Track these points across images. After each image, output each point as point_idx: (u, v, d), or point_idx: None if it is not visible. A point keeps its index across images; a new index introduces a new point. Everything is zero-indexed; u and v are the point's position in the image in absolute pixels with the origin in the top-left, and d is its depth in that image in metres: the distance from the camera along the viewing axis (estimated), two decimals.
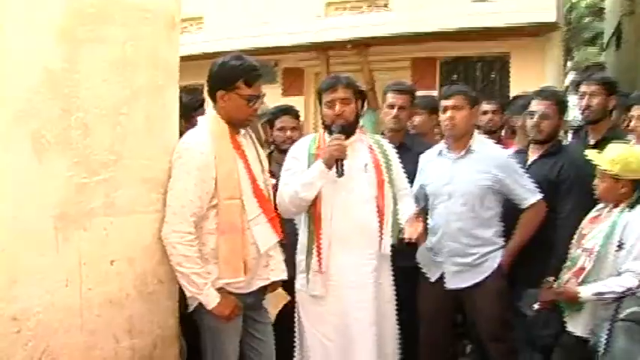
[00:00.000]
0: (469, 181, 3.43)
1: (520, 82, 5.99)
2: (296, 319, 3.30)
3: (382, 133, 4.08)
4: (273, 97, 4.12)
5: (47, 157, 2.30)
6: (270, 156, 3.98)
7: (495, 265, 3.42)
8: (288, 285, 3.23)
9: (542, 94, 3.58)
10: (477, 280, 3.43)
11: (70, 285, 2.38)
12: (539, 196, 3.40)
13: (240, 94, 2.82)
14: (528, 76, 6.37)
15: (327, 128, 3.22)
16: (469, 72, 7.10)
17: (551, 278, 3.06)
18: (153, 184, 2.73)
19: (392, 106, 3.99)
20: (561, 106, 3.56)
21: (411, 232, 3.07)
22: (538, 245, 3.36)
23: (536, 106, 3.55)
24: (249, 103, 2.84)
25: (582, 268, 2.98)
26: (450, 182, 3.48)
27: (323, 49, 7.12)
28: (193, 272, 2.70)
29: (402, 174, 3.39)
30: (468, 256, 3.43)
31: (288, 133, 3.96)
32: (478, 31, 6.55)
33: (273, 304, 3.15)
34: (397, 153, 3.82)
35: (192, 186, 2.70)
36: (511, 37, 6.62)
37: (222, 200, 2.75)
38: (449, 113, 3.47)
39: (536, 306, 3.15)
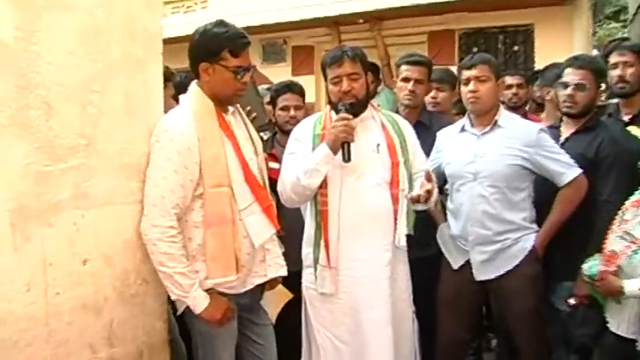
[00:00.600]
0: (497, 160, 3.05)
1: (546, 55, 5.58)
2: (303, 319, 2.96)
3: (397, 111, 3.71)
4: (282, 76, 3.78)
5: None
6: (273, 137, 3.64)
7: (528, 247, 3.04)
8: (291, 279, 2.90)
9: (577, 62, 3.15)
10: (509, 268, 3.05)
11: (32, 290, 2.06)
12: (579, 170, 3.01)
13: (225, 66, 2.48)
14: (555, 48, 5.96)
15: (334, 107, 2.86)
16: (490, 45, 6.68)
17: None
18: (133, 171, 2.41)
19: (406, 80, 3.61)
20: (598, 75, 3.14)
21: (418, 189, 2.71)
22: (574, 231, 2.98)
23: (569, 75, 3.13)
24: (236, 76, 2.50)
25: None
26: (475, 161, 3.09)
27: (334, 24, 6.75)
28: (177, 272, 2.38)
29: (420, 155, 3.04)
30: (496, 243, 3.06)
31: (292, 112, 3.57)
32: (499, 0, 6.16)
33: (274, 303, 2.83)
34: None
35: (172, 173, 2.37)
36: (535, 5, 6.22)
37: (208, 188, 2.42)
38: (472, 85, 3.10)
39: (572, 301, 2.82)
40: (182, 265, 2.38)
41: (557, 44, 6.14)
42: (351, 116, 2.72)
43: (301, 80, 3.44)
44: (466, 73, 3.13)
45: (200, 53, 2.52)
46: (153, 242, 2.37)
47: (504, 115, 3.15)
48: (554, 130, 3.25)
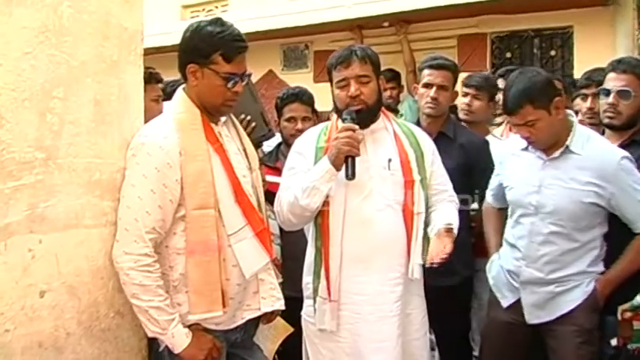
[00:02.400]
0: (564, 194, 2.56)
1: (586, 60, 5.18)
2: (304, 356, 2.63)
3: (418, 121, 3.37)
4: (303, 82, 3.49)
5: None
6: (277, 149, 3.31)
7: (589, 291, 2.58)
8: (295, 307, 2.59)
9: (621, 65, 2.73)
10: (564, 312, 2.60)
11: None
12: None
13: (216, 71, 2.18)
14: (596, 53, 5.55)
15: (340, 115, 2.52)
16: (525, 49, 6.25)
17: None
18: (105, 189, 2.12)
19: (428, 86, 3.27)
20: None
21: (434, 252, 2.34)
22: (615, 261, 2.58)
23: (612, 81, 2.73)
24: (227, 84, 2.19)
25: None
26: (539, 191, 2.61)
27: (357, 27, 6.43)
28: (153, 306, 2.07)
29: (441, 172, 2.66)
30: (550, 284, 2.62)
31: (299, 124, 3.18)
32: (535, 1, 5.78)
33: (271, 338, 2.49)
34: (434, 144, 3.13)
35: (148, 193, 2.07)
36: (574, 6, 5.80)
37: (191, 211, 2.11)
38: (524, 131, 2.59)
39: (614, 342, 2.41)
40: (159, 299, 2.08)
41: (598, 49, 5.73)
42: (357, 127, 2.39)
43: (323, 87, 3.10)
44: (510, 119, 2.68)
45: (189, 53, 2.23)
46: (125, 271, 2.07)
47: (579, 136, 2.60)
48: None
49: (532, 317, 2.68)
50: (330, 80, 2.58)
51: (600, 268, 2.62)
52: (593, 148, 2.58)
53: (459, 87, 3.55)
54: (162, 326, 2.08)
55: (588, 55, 5.72)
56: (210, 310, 2.12)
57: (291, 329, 2.56)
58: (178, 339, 2.10)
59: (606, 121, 2.74)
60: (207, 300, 2.11)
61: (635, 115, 2.70)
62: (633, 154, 2.63)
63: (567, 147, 2.58)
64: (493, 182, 2.93)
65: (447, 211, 2.56)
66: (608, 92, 2.73)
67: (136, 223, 2.06)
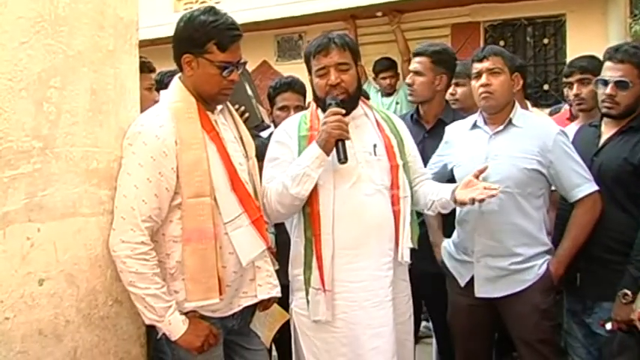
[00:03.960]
0: (510, 163, 2.72)
1: (579, 48, 5.18)
2: (293, 350, 2.61)
3: (417, 112, 3.42)
4: (298, 73, 3.48)
5: None
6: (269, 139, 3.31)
7: (541, 272, 2.70)
8: (288, 297, 2.60)
9: (618, 54, 2.72)
10: (515, 290, 2.72)
11: None
12: (595, 187, 2.68)
13: (211, 60, 2.19)
14: (588, 41, 5.58)
15: (321, 103, 2.52)
16: (518, 37, 6.29)
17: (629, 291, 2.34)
18: (102, 178, 2.13)
19: (411, 73, 3.33)
20: None
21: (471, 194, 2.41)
22: (615, 247, 2.62)
23: (609, 71, 2.73)
24: (222, 72, 2.20)
25: None
26: (486, 163, 2.69)
27: (351, 17, 6.44)
28: (149, 294, 2.09)
29: (418, 157, 2.71)
30: (507, 258, 2.71)
31: (292, 113, 3.15)
32: None
33: (268, 325, 2.50)
34: (432, 130, 3.19)
35: (144, 181, 2.08)
36: None
37: (187, 199, 2.12)
38: (483, 78, 2.76)
39: (609, 325, 2.45)
40: (155, 286, 2.09)
41: (590, 36, 5.76)
42: (343, 110, 2.39)
43: None
44: (477, 66, 2.80)
45: (184, 43, 2.23)
46: (122, 260, 2.08)
47: (520, 113, 2.83)
48: (593, 128, 2.86)
49: (481, 291, 2.77)
50: (309, 69, 2.56)
51: (549, 244, 2.78)
52: (532, 122, 2.83)
53: None
54: (159, 314, 2.10)
55: (581, 42, 5.74)
56: (207, 297, 2.13)
57: (288, 316, 2.56)
58: (175, 326, 2.12)
59: (604, 110, 2.75)
60: (203, 287, 2.13)
61: (633, 104, 2.70)
62: (630, 140, 2.67)
63: (510, 120, 2.79)
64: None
65: (433, 185, 2.67)
66: (605, 82, 2.73)
67: (133, 211, 2.08)
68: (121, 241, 2.08)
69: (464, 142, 2.90)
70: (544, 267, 2.71)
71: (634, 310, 2.31)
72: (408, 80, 3.34)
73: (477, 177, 2.47)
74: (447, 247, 2.94)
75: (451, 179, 2.85)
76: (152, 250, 2.10)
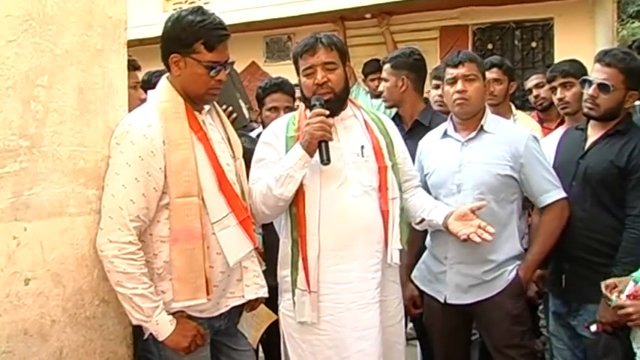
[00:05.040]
0: (484, 169, 2.74)
1: (566, 52, 5.21)
2: (282, 351, 2.60)
3: (396, 114, 3.48)
4: (287, 74, 3.48)
5: None
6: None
7: (511, 278, 2.72)
8: (275, 299, 2.59)
9: (606, 58, 2.71)
10: (485, 297, 2.74)
11: None
12: (563, 193, 2.72)
13: (198, 60, 2.18)
14: (576, 44, 5.61)
15: (307, 103, 2.51)
16: (506, 40, 6.31)
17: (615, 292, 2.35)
18: (89, 177, 2.13)
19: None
20: (631, 75, 2.68)
21: (465, 229, 2.44)
22: (600, 249, 2.63)
23: (594, 72, 2.73)
24: (210, 72, 2.19)
25: None
26: (460, 171, 2.77)
27: (340, 19, 6.44)
28: (137, 294, 2.08)
29: (408, 159, 2.71)
30: (479, 265, 2.73)
31: (281, 114, 3.14)
32: None
33: (255, 326, 2.49)
34: (411, 132, 3.21)
35: (132, 181, 2.08)
36: None
37: (174, 199, 2.12)
38: (459, 85, 2.77)
39: (593, 327, 2.46)
40: (143, 286, 2.08)
41: (578, 40, 5.79)
42: (327, 112, 2.38)
43: None
44: (452, 72, 2.80)
45: (171, 43, 2.22)
46: (109, 259, 2.08)
47: (491, 119, 2.85)
48: (580, 132, 2.86)
49: (453, 297, 2.79)
50: (297, 69, 2.56)
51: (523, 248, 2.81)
52: (504, 128, 2.85)
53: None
54: (147, 314, 2.09)
55: (568, 46, 5.77)
56: (195, 297, 2.13)
57: (275, 317, 2.55)
58: (162, 326, 2.11)
59: (585, 110, 2.77)
60: (191, 287, 2.12)
61: (614, 108, 2.69)
62: (616, 143, 2.68)
63: (482, 127, 2.80)
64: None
65: (426, 197, 2.68)
66: (590, 83, 2.73)
67: (120, 211, 2.07)
68: (108, 240, 2.07)
69: (436, 151, 2.91)
70: (514, 272, 2.73)
71: (609, 305, 2.33)
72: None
73: (472, 212, 2.46)
74: (417, 274, 2.94)
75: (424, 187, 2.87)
76: (140, 250, 2.09)
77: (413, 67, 3.38)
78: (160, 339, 2.13)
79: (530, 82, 4.13)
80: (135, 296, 2.07)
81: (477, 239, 2.39)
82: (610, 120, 2.72)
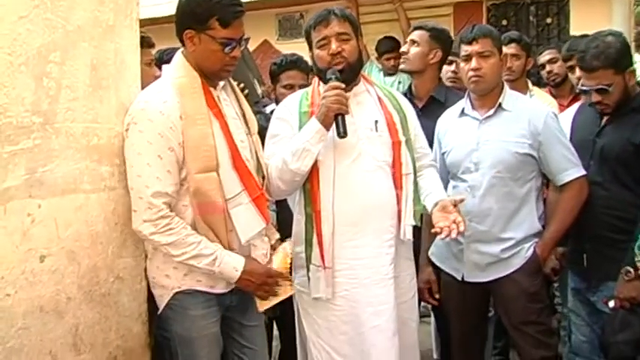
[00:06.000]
0: (501, 147, 2.71)
1: (582, 28, 5.10)
2: (297, 327, 2.61)
3: (409, 90, 3.43)
4: (299, 52, 3.45)
5: None
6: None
7: (529, 255, 2.71)
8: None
9: (586, 63, 2.63)
10: (502, 275, 2.74)
11: None
12: (583, 171, 2.69)
13: (213, 37, 2.16)
14: (591, 20, 5.49)
15: (322, 77, 2.49)
16: (521, 16, 6.21)
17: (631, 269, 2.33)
18: (103, 154, 2.12)
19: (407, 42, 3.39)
20: (622, 64, 2.61)
21: (441, 222, 2.35)
22: (622, 226, 2.59)
23: (585, 79, 2.67)
24: (224, 49, 2.17)
25: None
26: (477, 149, 2.74)
27: None
28: (190, 257, 2.13)
29: (421, 135, 2.68)
30: (497, 244, 2.72)
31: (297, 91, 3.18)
32: None
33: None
34: (425, 108, 3.16)
35: (156, 159, 2.09)
36: None
37: (194, 174, 2.12)
38: (474, 62, 2.72)
39: (611, 303, 2.45)
40: (190, 247, 2.12)
41: (594, 16, 5.68)
42: (343, 84, 2.36)
43: None
44: (467, 49, 2.75)
45: (186, 19, 2.21)
46: (149, 238, 2.12)
47: (509, 96, 2.80)
48: (594, 109, 2.82)
49: (470, 276, 2.78)
50: (309, 43, 2.55)
51: (538, 229, 2.76)
52: (522, 105, 2.80)
53: None
54: (208, 269, 2.14)
55: (584, 22, 5.66)
56: None
57: (293, 291, 2.52)
58: (228, 273, 2.17)
59: (601, 112, 2.71)
60: None
61: (621, 97, 2.63)
62: (630, 121, 2.63)
63: (500, 105, 2.76)
64: (437, 156, 2.94)
65: (434, 178, 2.63)
66: (587, 91, 2.68)
67: (147, 189, 2.08)
68: (143, 221, 2.09)
69: (453, 129, 2.88)
70: (531, 250, 2.72)
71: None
72: (403, 48, 3.37)
73: (454, 205, 2.41)
74: (434, 251, 2.92)
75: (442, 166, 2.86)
76: (173, 219, 2.12)
77: (446, 45, 3.33)
78: (232, 282, 2.20)
79: (543, 58, 4.08)
80: (189, 259, 2.12)
81: (443, 235, 2.33)
82: (625, 103, 2.66)
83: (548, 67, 4.04)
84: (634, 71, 2.67)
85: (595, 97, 2.64)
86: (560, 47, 3.95)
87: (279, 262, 2.35)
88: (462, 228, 2.32)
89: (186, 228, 2.13)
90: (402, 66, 3.43)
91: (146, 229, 2.10)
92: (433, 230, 2.37)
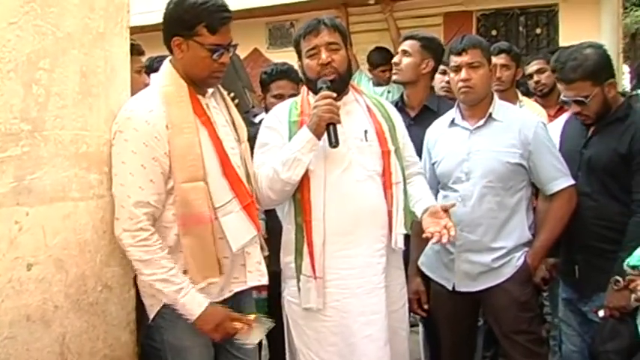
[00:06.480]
0: (493, 157, 2.72)
1: (571, 38, 5.09)
2: (286, 339, 2.59)
3: (402, 97, 3.42)
4: (289, 61, 3.45)
5: None
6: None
7: (519, 264, 2.71)
8: (279, 281, 2.58)
9: (563, 75, 2.67)
10: (492, 284, 2.74)
11: None
12: (572, 181, 2.70)
13: (201, 43, 2.15)
14: (581, 31, 5.52)
15: (312, 86, 2.50)
16: (511, 27, 6.24)
17: (620, 278, 2.34)
18: (92, 162, 2.11)
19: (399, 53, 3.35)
20: (599, 77, 2.63)
21: (432, 227, 2.35)
22: (612, 236, 2.61)
23: (564, 90, 2.71)
24: (213, 55, 2.17)
25: None
26: (468, 159, 2.75)
27: (343, 5, 6.37)
28: (157, 279, 2.09)
29: (409, 144, 2.69)
30: (488, 253, 2.72)
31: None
32: None
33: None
34: (418, 118, 3.16)
35: (139, 168, 2.07)
36: None
37: (181, 184, 2.10)
38: (463, 73, 2.73)
39: (601, 313, 2.46)
40: (162, 270, 2.09)
41: (583, 27, 5.72)
42: (334, 94, 2.36)
43: None
44: (456, 60, 2.76)
45: (173, 26, 2.20)
46: (126, 249, 2.09)
47: (499, 106, 2.82)
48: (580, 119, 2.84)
49: (461, 285, 2.78)
50: (299, 52, 2.55)
51: (529, 239, 2.77)
52: (512, 115, 2.81)
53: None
54: (171, 297, 2.10)
55: (574, 33, 5.68)
56: (207, 276, 2.15)
57: (272, 324, 2.36)
58: (190, 308, 2.12)
59: (586, 123, 2.74)
60: (203, 269, 2.14)
61: (601, 108, 2.66)
62: (616, 130, 2.66)
63: (490, 115, 2.77)
64: (426, 166, 2.95)
65: (423, 187, 2.65)
66: (567, 102, 2.72)
67: (129, 199, 2.06)
68: (123, 230, 2.07)
69: (443, 139, 2.89)
70: (522, 259, 2.72)
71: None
72: (395, 59, 3.35)
73: (445, 211, 2.42)
74: (424, 261, 2.92)
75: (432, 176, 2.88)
76: (153, 235, 2.09)
77: (437, 55, 3.33)
78: (190, 320, 2.13)
79: (531, 68, 4.11)
80: (156, 282, 2.09)
81: (434, 240, 2.34)
82: (607, 113, 2.68)
83: (536, 77, 4.07)
84: (613, 83, 2.69)
85: (574, 108, 2.68)
86: (549, 57, 3.97)
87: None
88: (452, 232, 2.32)
89: (163, 250, 2.10)
90: (394, 77, 3.42)
91: (125, 239, 2.08)
92: (424, 235, 2.37)
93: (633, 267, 2.29)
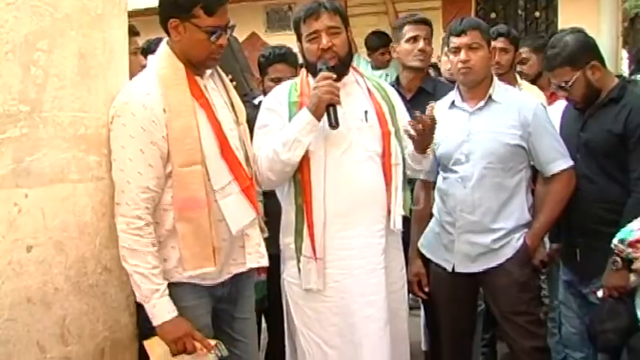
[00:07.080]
0: (493, 138, 2.73)
1: (570, 21, 5.12)
2: (285, 320, 2.60)
3: (397, 80, 3.42)
4: (287, 44, 3.44)
5: None
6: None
7: (518, 246, 2.73)
8: (278, 263, 2.58)
9: (549, 63, 2.72)
10: (492, 265, 2.76)
11: None
12: (571, 162, 2.72)
13: (198, 25, 2.13)
14: (580, 14, 5.56)
15: (311, 68, 2.49)
16: (509, 10, 6.26)
17: (619, 258, 2.35)
18: (90, 144, 2.09)
19: (414, 39, 3.28)
20: (588, 60, 2.66)
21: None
22: (611, 218, 2.59)
23: (551, 77, 2.77)
24: (210, 37, 2.15)
25: None
26: (468, 140, 2.76)
27: None
28: (137, 272, 2.07)
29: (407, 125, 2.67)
30: (487, 234, 2.74)
31: None
32: None
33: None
34: (414, 100, 3.14)
35: (137, 153, 2.06)
36: None
37: (178, 167, 2.09)
38: (462, 54, 2.73)
39: (600, 293, 2.47)
40: (145, 265, 2.07)
41: (582, 10, 5.73)
42: (335, 75, 2.36)
43: None
44: (455, 41, 2.76)
45: (169, 8, 2.18)
46: (118, 233, 2.08)
47: (499, 88, 2.83)
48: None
49: (461, 266, 2.80)
50: (299, 35, 2.53)
51: (528, 220, 2.79)
52: (512, 97, 2.83)
53: None
54: (144, 294, 2.08)
55: (572, 16, 5.70)
56: (202, 265, 2.12)
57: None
58: (159, 312, 2.09)
59: (574, 107, 2.78)
60: (198, 255, 2.12)
61: (588, 92, 2.68)
62: (610, 112, 2.66)
63: (490, 96, 2.78)
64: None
65: None
66: (558, 88, 2.76)
67: (129, 184, 2.06)
68: (120, 215, 2.07)
69: (443, 121, 2.82)
70: (521, 240, 2.74)
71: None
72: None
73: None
74: (424, 242, 2.94)
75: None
76: (148, 226, 2.08)
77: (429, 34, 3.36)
78: (154, 324, 2.10)
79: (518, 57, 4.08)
80: (135, 274, 2.07)
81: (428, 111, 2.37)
82: (597, 97, 2.70)
83: (518, 68, 4.03)
84: (596, 65, 2.69)
85: (561, 93, 2.73)
86: (538, 43, 3.97)
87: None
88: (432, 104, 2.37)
89: (154, 245, 2.09)
90: (417, 63, 3.33)
91: (119, 224, 2.08)
92: (409, 120, 2.39)
93: (621, 240, 2.32)
